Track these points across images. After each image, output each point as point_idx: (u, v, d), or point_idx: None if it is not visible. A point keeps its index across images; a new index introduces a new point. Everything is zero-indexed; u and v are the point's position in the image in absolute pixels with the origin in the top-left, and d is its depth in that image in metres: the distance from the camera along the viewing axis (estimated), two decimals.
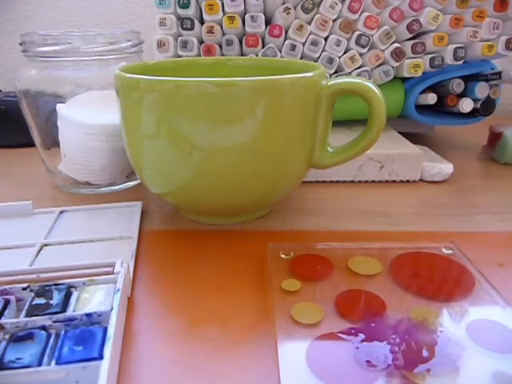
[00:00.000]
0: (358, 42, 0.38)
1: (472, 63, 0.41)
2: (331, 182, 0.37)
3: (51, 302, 0.20)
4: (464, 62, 0.40)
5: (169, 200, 0.29)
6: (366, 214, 0.31)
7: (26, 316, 0.19)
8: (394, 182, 0.37)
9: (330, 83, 0.26)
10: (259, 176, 0.26)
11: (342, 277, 0.23)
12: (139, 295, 0.23)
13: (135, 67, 0.30)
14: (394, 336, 0.19)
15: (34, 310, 0.20)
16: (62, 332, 0.19)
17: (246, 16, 0.37)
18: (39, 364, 0.17)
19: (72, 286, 0.21)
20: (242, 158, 0.25)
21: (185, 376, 0.18)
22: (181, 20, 0.37)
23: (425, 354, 0.18)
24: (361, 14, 0.37)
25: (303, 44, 0.38)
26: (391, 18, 0.37)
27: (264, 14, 0.37)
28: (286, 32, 0.38)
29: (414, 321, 0.20)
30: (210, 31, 0.37)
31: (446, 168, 0.37)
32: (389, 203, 0.33)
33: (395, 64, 0.39)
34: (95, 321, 0.19)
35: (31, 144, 0.37)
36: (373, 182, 0.37)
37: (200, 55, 0.38)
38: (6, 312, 0.20)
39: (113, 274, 0.22)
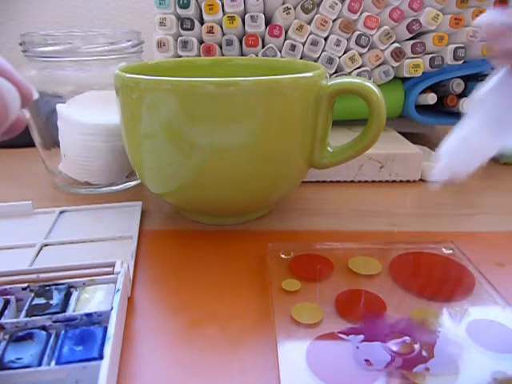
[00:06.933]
0: (357, 42, 0.38)
1: (472, 63, 0.41)
2: (331, 181, 0.37)
3: (51, 302, 0.20)
4: (464, 62, 0.40)
5: (169, 200, 0.29)
6: (366, 214, 0.31)
7: (26, 316, 0.19)
8: (394, 181, 0.37)
9: (329, 83, 0.26)
10: (259, 176, 0.26)
11: (342, 277, 0.23)
12: (139, 295, 0.23)
13: (135, 67, 0.30)
14: (393, 336, 0.19)
15: (33, 310, 0.20)
16: (62, 332, 0.19)
17: (246, 16, 0.37)
18: (39, 364, 0.17)
19: (72, 286, 0.21)
20: (241, 158, 0.25)
21: (185, 376, 0.18)
22: (181, 20, 0.37)
23: (424, 353, 0.18)
24: (361, 13, 0.37)
25: (303, 44, 0.38)
26: (391, 17, 0.37)
27: (264, 14, 0.37)
28: (286, 32, 0.38)
29: (413, 321, 0.20)
30: (210, 31, 0.37)
31: None
32: (389, 203, 0.33)
33: (395, 64, 0.39)
34: (95, 321, 0.19)
35: (31, 144, 0.37)
36: (373, 181, 0.37)
37: (200, 55, 0.38)
38: (6, 312, 0.20)
39: (113, 274, 0.22)
